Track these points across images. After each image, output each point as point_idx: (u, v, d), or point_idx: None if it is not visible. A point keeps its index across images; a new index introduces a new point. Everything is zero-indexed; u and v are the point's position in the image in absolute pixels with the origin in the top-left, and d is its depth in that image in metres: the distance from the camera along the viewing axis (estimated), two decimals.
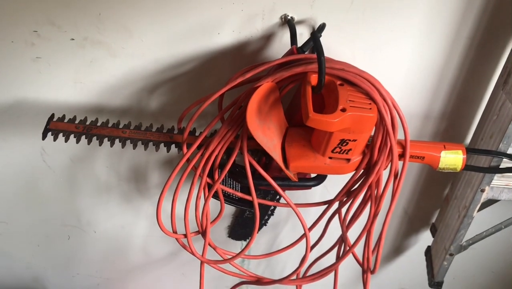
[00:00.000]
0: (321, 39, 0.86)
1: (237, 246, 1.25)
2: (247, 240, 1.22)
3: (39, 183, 1.11)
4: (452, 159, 0.85)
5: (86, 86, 0.95)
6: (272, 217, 1.17)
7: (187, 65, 0.92)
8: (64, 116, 0.87)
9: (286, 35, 0.88)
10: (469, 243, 1.03)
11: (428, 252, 1.16)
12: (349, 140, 0.78)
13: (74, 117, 0.87)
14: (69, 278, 1.31)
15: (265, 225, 1.19)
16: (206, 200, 0.89)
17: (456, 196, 1.04)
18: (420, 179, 1.11)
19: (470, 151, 0.86)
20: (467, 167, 0.86)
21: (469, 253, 1.16)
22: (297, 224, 1.05)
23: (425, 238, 1.20)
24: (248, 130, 0.77)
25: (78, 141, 0.85)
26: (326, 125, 0.73)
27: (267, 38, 0.89)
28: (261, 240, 1.23)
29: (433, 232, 1.15)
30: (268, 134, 0.81)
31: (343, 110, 0.73)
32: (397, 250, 1.26)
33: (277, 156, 0.83)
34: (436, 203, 1.14)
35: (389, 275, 1.32)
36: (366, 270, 0.92)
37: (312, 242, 1.01)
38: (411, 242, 1.24)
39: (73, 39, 0.89)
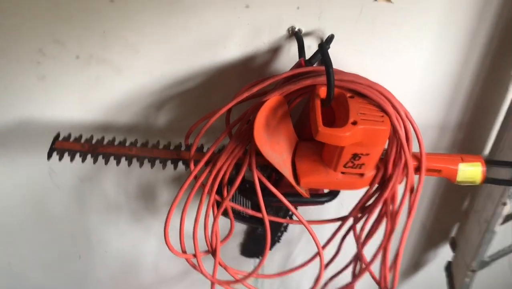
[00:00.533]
0: (329, 50, 0.84)
1: (250, 263, 1.21)
2: (260, 258, 1.19)
3: (48, 202, 1.10)
4: (470, 171, 0.81)
5: (92, 104, 0.93)
6: (285, 233, 1.14)
7: (194, 81, 0.90)
8: (70, 135, 0.86)
9: (293, 47, 0.85)
10: (492, 258, 0.99)
11: (449, 267, 1.11)
12: (362, 154, 0.75)
13: (80, 136, 0.86)
14: None
15: (278, 242, 1.16)
16: (215, 218, 0.86)
17: (476, 209, 1.00)
18: (438, 191, 1.07)
19: (489, 162, 0.82)
20: (487, 180, 0.82)
21: (493, 269, 1.11)
22: (311, 240, 1.01)
23: (445, 253, 1.16)
24: (255, 145, 0.74)
25: (83, 160, 0.84)
26: (337, 140, 0.70)
27: (274, 51, 0.87)
28: (274, 257, 1.20)
29: (453, 246, 1.11)
30: (277, 150, 0.79)
31: (354, 123, 0.70)
32: (416, 265, 1.22)
33: (287, 171, 0.80)
34: (455, 216, 1.10)
35: None
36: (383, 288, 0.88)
37: (326, 260, 0.98)
38: (430, 257, 1.20)
39: (78, 57, 0.88)
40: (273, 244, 1.16)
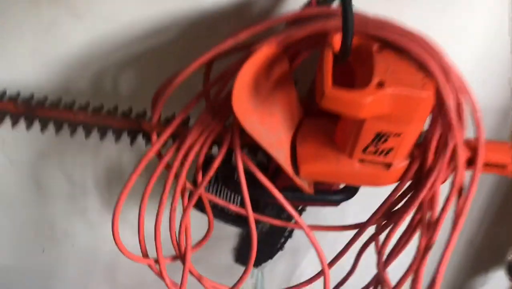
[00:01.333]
0: None
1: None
2: (260, 265, 0.97)
3: (2, 180, 0.91)
4: None
5: (46, 57, 0.73)
6: (290, 239, 0.92)
7: (174, 31, 0.69)
8: (5, 92, 0.66)
9: None
10: None
11: None
12: (390, 134, 0.52)
13: (18, 94, 0.66)
14: None
15: (281, 250, 0.93)
16: (184, 210, 0.64)
17: None
18: (494, 196, 0.82)
19: None
20: None
21: None
22: (324, 248, 0.79)
23: (499, 280, 0.90)
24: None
25: (14, 125, 0.64)
26: (353, 107, 0.47)
27: None
28: (277, 268, 0.98)
29: (510, 273, 0.85)
30: (269, 124, 0.56)
31: (381, 84, 0.47)
32: None
33: (282, 155, 0.58)
34: None
35: None
36: None
37: (339, 278, 0.75)
38: (477, 285, 0.94)
39: None
40: (274, 252, 0.93)
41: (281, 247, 0.93)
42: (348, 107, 0.47)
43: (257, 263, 0.97)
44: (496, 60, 0.69)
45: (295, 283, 0.79)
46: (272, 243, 0.91)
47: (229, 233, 0.93)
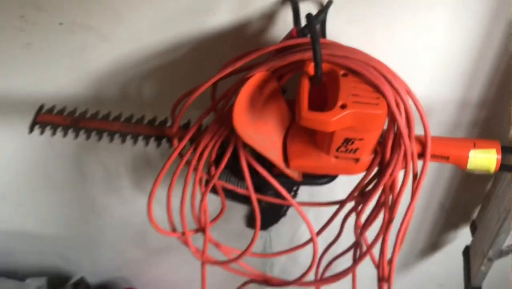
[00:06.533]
0: (329, 19, 0.75)
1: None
2: (267, 229, 1.15)
3: (50, 169, 1.09)
4: (483, 159, 0.72)
5: (79, 74, 0.89)
6: (291, 207, 1.09)
7: (183, 50, 0.83)
8: (53, 107, 0.82)
9: (290, 14, 0.76)
10: (511, 249, 0.89)
11: (466, 252, 1.03)
12: (355, 139, 0.67)
13: (64, 108, 0.82)
14: (92, 259, 1.32)
15: (284, 216, 1.11)
16: (203, 195, 0.82)
17: (497, 195, 0.90)
18: (458, 170, 0.96)
19: (506, 150, 0.71)
20: (502, 167, 0.72)
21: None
22: (320, 213, 0.95)
23: (464, 235, 1.06)
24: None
25: (65, 135, 0.80)
26: (323, 125, 0.63)
27: (269, 17, 0.78)
28: (282, 231, 1.16)
29: (473, 230, 1.01)
30: (264, 131, 0.72)
31: (343, 106, 0.62)
32: (434, 245, 1.14)
33: (275, 153, 0.74)
34: (477, 198, 0.99)
35: (426, 270, 1.20)
36: (381, 278, 0.82)
37: (329, 240, 0.93)
38: (449, 238, 1.11)
39: (61, 24, 0.83)
40: (278, 218, 1.11)
41: (284, 214, 1.10)
42: (319, 125, 0.62)
43: (265, 227, 1.14)
44: (456, 59, 0.81)
45: (296, 242, 0.97)
46: (276, 211, 1.08)
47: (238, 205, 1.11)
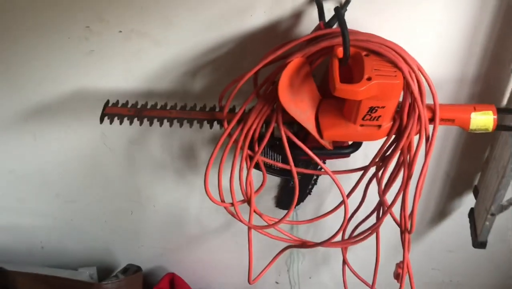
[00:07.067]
0: (348, 12, 0.91)
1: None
2: (295, 208, 1.29)
3: (102, 164, 1.23)
4: (482, 120, 0.87)
5: (135, 74, 1.04)
6: (316, 186, 1.23)
7: (225, 48, 0.99)
8: (117, 101, 0.97)
9: (314, 12, 0.92)
10: (510, 202, 1.04)
11: (471, 214, 1.18)
12: (378, 107, 0.82)
13: (127, 102, 0.97)
14: (135, 249, 1.44)
15: (310, 194, 1.25)
16: (248, 170, 0.96)
17: (495, 157, 1.05)
18: (459, 142, 1.12)
19: (501, 111, 0.87)
20: (498, 127, 0.88)
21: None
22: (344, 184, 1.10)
23: (469, 201, 1.21)
24: (281, 104, 0.83)
25: (131, 123, 0.95)
26: (353, 94, 0.78)
27: (297, 16, 0.94)
28: (307, 208, 1.29)
29: (476, 194, 1.17)
30: (301, 107, 0.87)
31: (369, 79, 0.77)
32: (442, 213, 1.28)
33: (311, 126, 0.89)
34: (477, 165, 1.15)
35: (435, 238, 1.34)
36: (404, 230, 0.97)
37: (353, 208, 1.07)
38: (455, 206, 1.26)
39: (120, 32, 0.98)
40: (304, 196, 1.25)
41: (309, 192, 1.25)
42: (350, 94, 0.78)
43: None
44: (450, 45, 0.96)
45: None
46: (303, 190, 1.22)
47: (271, 186, 1.25)
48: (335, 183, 0.94)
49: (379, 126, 0.87)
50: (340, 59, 0.80)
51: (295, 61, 0.84)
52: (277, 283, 1.50)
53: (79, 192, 1.31)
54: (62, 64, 1.05)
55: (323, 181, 1.23)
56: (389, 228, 1.04)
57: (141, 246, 1.44)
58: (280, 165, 0.99)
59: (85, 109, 1.11)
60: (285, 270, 1.46)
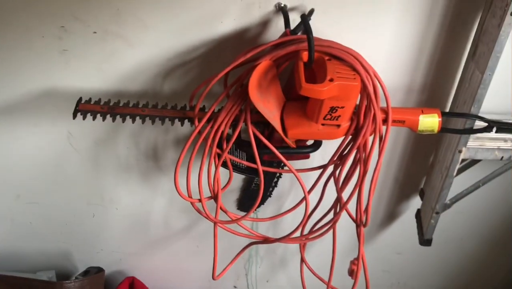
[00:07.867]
0: (310, 22, 0.99)
1: None
2: (255, 210, 1.35)
3: (66, 165, 1.24)
4: (429, 121, 0.97)
5: (108, 74, 1.08)
6: (276, 188, 1.30)
7: (196, 52, 1.05)
8: (90, 99, 1.00)
9: (280, 21, 1.00)
10: (452, 201, 1.15)
11: (418, 214, 1.28)
12: (338, 107, 0.91)
13: (99, 100, 1.00)
14: (94, 254, 1.44)
15: (270, 196, 1.31)
16: (216, 167, 1.01)
17: (439, 160, 1.16)
18: (407, 148, 1.23)
19: (445, 114, 0.98)
20: (443, 129, 0.98)
21: (456, 216, 1.29)
22: (299, 193, 1.17)
23: (416, 203, 1.32)
24: (250, 103, 0.89)
25: (104, 119, 0.98)
26: (317, 93, 0.85)
27: (264, 24, 1.02)
28: (267, 210, 1.35)
29: (422, 196, 1.27)
30: (268, 107, 0.94)
31: (331, 80, 0.85)
32: (391, 216, 1.38)
33: (277, 124, 0.96)
34: (423, 169, 1.26)
35: (384, 241, 1.44)
36: (359, 224, 1.04)
37: (312, 206, 1.14)
38: (403, 208, 1.36)
39: (95, 32, 1.02)
40: (265, 198, 1.31)
41: (270, 194, 1.31)
42: (314, 93, 0.85)
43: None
44: (401, 56, 1.07)
45: (280, 220, 1.17)
46: (264, 191, 1.28)
47: (232, 188, 1.30)
48: (298, 180, 1.00)
49: (339, 125, 0.95)
50: (305, 63, 0.88)
51: (264, 63, 0.91)
52: (235, 287, 1.54)
53: (41, 193, 1.30)
54: (32, 63, 1.07)
55: (283, 184, 1.30)
56: (344, 231, 1.13)
57: (100, 250, 1.44)
58: (246, 163, 1.05)
59: (53, 109, 1.13)
60: (243, 274, 1.51)
